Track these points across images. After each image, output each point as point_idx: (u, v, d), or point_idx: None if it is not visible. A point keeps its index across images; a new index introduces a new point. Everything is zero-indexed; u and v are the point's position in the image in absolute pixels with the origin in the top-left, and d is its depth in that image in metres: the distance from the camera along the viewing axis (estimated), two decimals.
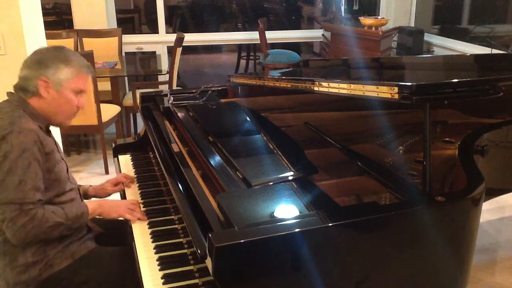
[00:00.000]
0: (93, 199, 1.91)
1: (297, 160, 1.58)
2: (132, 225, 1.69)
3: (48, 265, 1.59)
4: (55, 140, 1.71)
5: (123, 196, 1.97)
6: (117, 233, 1.84)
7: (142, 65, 5.13)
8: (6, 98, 1.65)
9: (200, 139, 1.74)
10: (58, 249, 1.61)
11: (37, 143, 1.52)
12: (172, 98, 2.16)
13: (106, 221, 1.82)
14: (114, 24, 5.35)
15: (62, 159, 1.71)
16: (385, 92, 1.42)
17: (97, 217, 1.75)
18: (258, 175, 1.45)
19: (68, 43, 4.73)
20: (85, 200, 1.83)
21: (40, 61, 1.61)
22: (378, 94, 1.45)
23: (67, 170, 1.73)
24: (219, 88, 2.44)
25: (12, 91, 1.64)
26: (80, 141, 4.45)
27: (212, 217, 1.28)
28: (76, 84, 1.65)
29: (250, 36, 5.84)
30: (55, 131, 2.73)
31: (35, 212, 1.48)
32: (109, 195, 2.00)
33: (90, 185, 1.99)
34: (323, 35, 5.86)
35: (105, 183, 2.01)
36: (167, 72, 4.30)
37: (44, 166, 1.55)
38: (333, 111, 2.14)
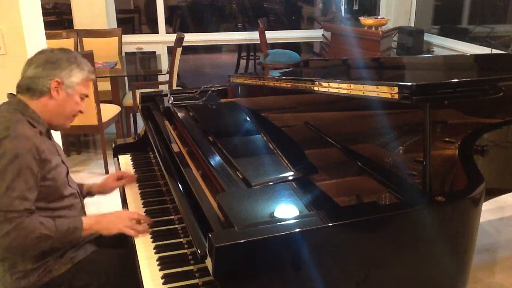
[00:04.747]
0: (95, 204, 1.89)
1: (297, 160, 1.58)
2: None
3: (47, 271, 1.59)
4: (55, 143, 1.69)
5: (123, 197, 1.97)
6: (117, 234, 1.83)
7: (142, 65, 5.13)
8: (5, 98, 1.62)
9: (200, 139, 1.74)
10: (57, 254, 1.60)
11: (31, 151, 1.47)
12: (172, 98, 2.16)
13: None
14: (114, 24, 5.35)
15: (63, 162, 1.68)
16: (385, 92, 1.42)
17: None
18: (258, 175, 1.45)
19: (68, 43, 4.73)
20: (87, 201, 1.81)
21: (53, 61, 1.60)
22: (378, 94, 1.45)
23: (67, 173, 1.70)
24: (219, 88, 2.44)
25: (12, 91, 1.61)
26: (80, 141, 4.45)
27: (212, 217, 1.28)
28: (84, 89, 1.66)
29: (250, 36, 5.84)
30: (55, 131, 2.74)
31: (20, 221, 1.42)
32: (113, 190, 1.98)
33: (94, 183, 1.97)
34: (323, 35, 5.86)
35: (106, 179, 1.98)
36: (167, 72, 4.30)
37: (38, 173, 1.50)
38: (333, 111, 2.14)
